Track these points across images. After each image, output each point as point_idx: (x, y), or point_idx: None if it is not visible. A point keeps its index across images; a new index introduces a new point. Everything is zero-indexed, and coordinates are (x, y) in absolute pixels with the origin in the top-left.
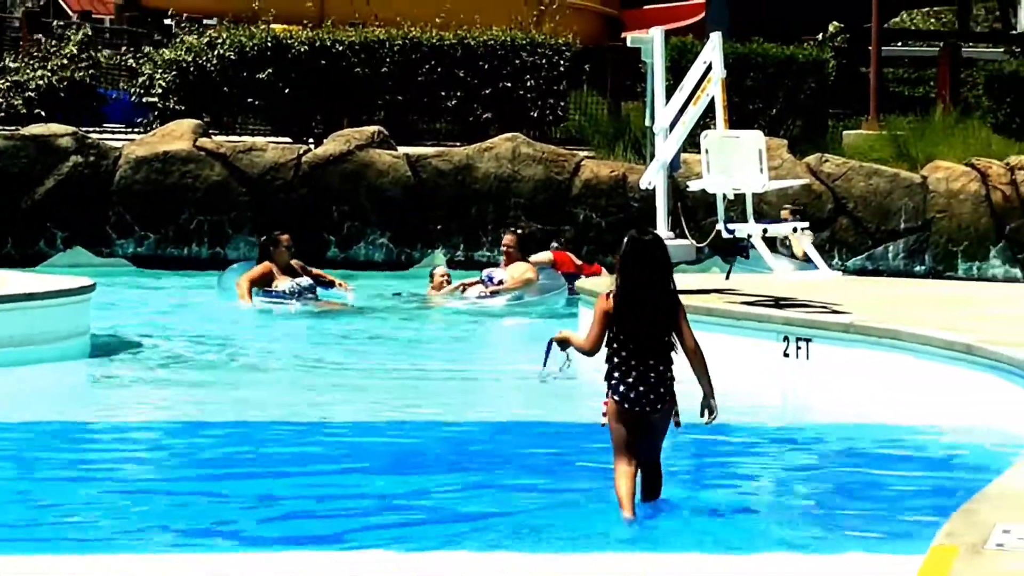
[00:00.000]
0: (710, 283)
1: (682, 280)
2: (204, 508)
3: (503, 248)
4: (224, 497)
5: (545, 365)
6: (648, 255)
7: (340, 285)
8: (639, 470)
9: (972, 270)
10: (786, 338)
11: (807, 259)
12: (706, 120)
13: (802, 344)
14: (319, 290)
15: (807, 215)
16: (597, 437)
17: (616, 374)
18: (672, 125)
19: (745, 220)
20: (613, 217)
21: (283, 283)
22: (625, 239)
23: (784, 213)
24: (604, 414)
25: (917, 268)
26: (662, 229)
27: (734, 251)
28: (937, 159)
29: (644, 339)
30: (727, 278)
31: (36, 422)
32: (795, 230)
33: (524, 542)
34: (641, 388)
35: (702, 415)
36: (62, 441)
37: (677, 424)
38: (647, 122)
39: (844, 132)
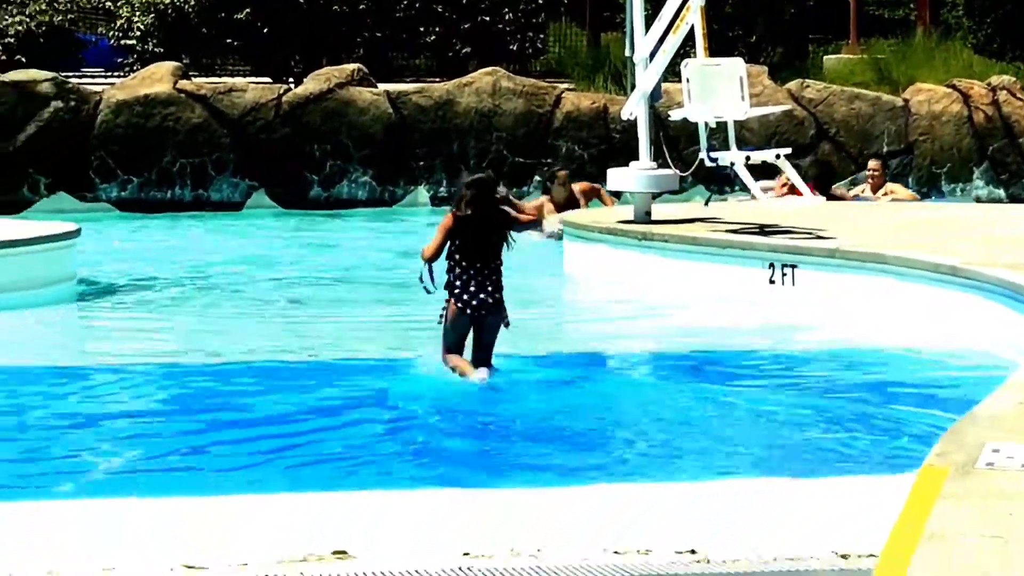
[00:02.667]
0: (693, 212)
1: (665, 210)
2: (188, 450)
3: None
4: (209, 439)
5: (421, 280)
6: (481, 187)
7: None
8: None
9: (956, 192)
10: (771, 265)
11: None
12: (686, 49)
13: (787, 270)
14: None
15: (790, 141)
16: None
17: (457, 283)
18: (652, 55)
19: (727, 148)
20: (595, 149)
21: (551, 222)
22: (466, 177)
23: (872, 164)
24: (442, 315)
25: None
26: (644, 159)
27: (718, 179)
28: (918, 81)
29: (478, 252)
30: (706, 204)
31: (23, 367)
32: (777, 156)
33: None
34: (480, 294)
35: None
36: (48, 386)
37: (507, 325)
38: (627, 52)
39: (825, 57)
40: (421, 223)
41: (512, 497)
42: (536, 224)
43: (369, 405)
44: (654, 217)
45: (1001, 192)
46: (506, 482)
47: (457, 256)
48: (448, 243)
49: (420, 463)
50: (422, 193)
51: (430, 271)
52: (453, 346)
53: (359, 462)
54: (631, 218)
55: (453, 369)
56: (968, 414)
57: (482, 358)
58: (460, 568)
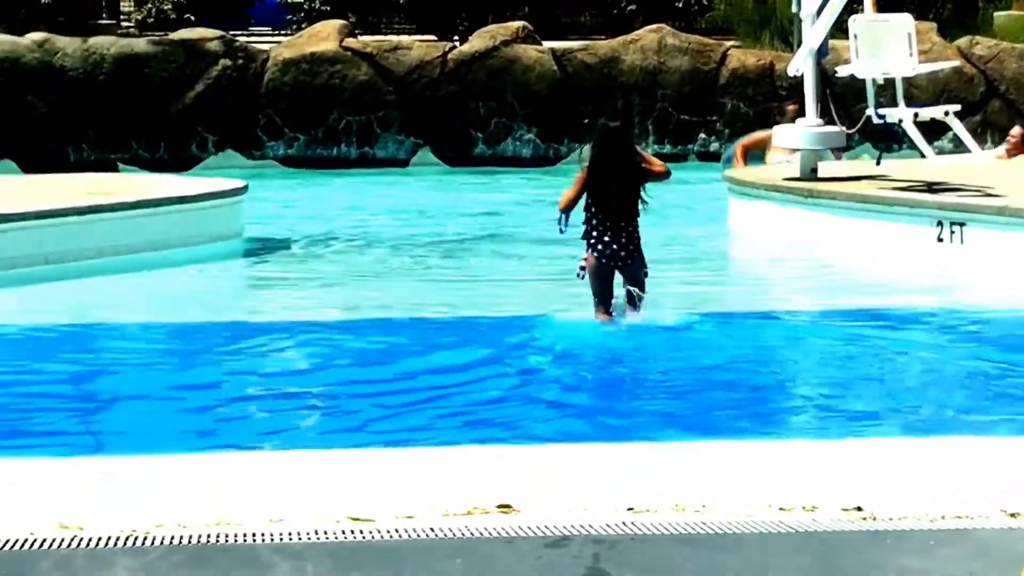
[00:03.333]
0: (861, 170)
1: (833, 168)
2: (350, 406)
3: None
4: (371, 393)
5: (559, 223)
6: (611, 139)
7: None
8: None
9: None
10: (940, 223)
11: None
12: (853, 5)
13: (956, 228)
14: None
15: (959, 99)
16: None
17: (594, 233)
18: (819, 10)
19: (895, 105)
20: (761, 106)
21: (776, 155)
22: (597, 127)
23: (1016, 131)
24: (582, 267)
25: None
26: (811, 116)
27: (886, 137)
28: None
29: (613, 205)
30: (878, 164)
31: (191, 323)
32: (946, 113)
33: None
34: (614, 245)
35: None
36: (216, 342)
37: (645, 275)
38: (794, 8)
39: (995, 14)
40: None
41: (673, 451)
42: (666, 175)
43: (526, 360)
44: (820, 174)
45: None
46: (665, 436)
47: (593, 208)
48: (584, 195)
49: (579, 417)
50: (587, 151)
51: (566, 219)
52: (599, 295)
53: (516, 417)
54: (797, 175)
55: (603, 322)
56: None
57: (632, 303)
58: (624, 523)
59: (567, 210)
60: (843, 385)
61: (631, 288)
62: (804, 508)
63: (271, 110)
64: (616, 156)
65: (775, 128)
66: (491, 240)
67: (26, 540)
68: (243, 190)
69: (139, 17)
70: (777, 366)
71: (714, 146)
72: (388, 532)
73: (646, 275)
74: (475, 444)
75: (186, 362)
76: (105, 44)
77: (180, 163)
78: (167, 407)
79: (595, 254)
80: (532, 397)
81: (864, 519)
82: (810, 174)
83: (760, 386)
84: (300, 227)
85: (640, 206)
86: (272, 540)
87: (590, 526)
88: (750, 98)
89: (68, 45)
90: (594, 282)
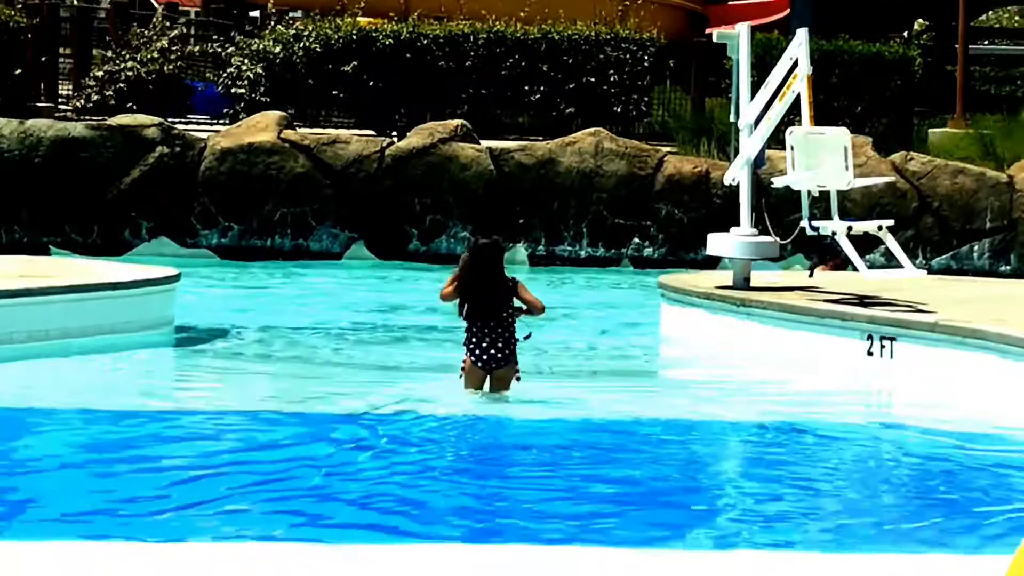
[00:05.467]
0: (793, 281)
1: (764, 278)
2: (285, 499)
3: None
4: (310, 489)
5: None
6: (483, 257)
7: None
8: None
9: None
10: (870, 337)
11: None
12: (791, 117)
13: (886, 343)
14: None
15: (892, 213)
16: None
17: (472, 340)
18: (757, 121)
19: (829, 217)
20: (696, 213)
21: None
22: (471, 245)
23: None
24: (463, 369)
25: (1002, 268)
26: (745, 226)
27: (820, 249)
28: None
29: (487, 314)
30: (810, 275)
31: (120, 410)
32: (880, 228)
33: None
34: (491, 350)
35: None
36: (144, 429)
37: (517, 379)
38: (732, 118)
39: (930, 130)
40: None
41: (564, 555)
42: (539, 311)
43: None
44: (753, 284)
45: None
46: (565, 540)
47: (469, 316)
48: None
49: (506, 520)
50: (521, 252)
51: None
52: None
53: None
54: (730, 284)
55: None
56: None
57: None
58: None
59: (446, 300)
60: (768, 499)
61: (497, 386)
62: None
63: (207, 198)
64: (487, 273)
65: (710, 236)
66: (423, 332)
67: None
68: (175, 278)
69: (78, 104)
70: (703, 478)
71: (647, 251)
72: None
73: (518, 379)
74: (409, 543)
75: (100, 447)
76: (42, 127)
77: (113, 248)
78: (87, 492)
79: (472, 358)
80: (465, 499)
81: None
82: (743, 283)
83: (688, 497)
84: (230, 317)
85: (515, 316)
86: None
87: None
88: (685, 204)
89: (5, 126)
90: (468, 384)
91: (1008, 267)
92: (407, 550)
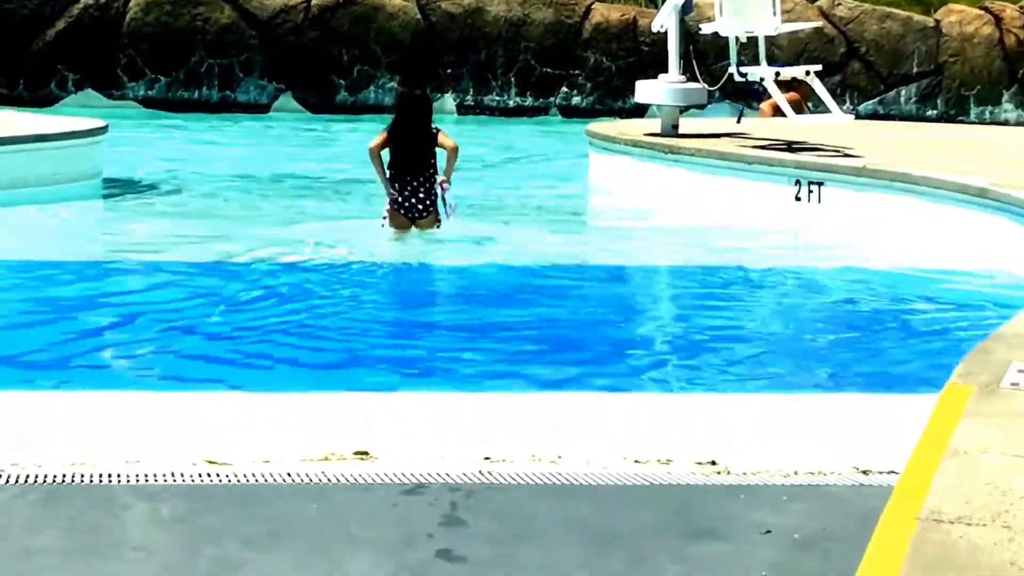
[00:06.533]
0: (721, 127)
1: (693, 125)
2: (204, 348)
3: None
4: (229, 338)
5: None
6: (413, 106)
7: None
8: None
9: (984, 114)
10: (798, 182)
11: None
12: None
13: (814, 188)
14: None
15: (819, 59)
16: None
17: (395, 188)
18: None
19: (757, 63)
20: (623, 61)
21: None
22: (398, 94)
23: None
24: (384, 217)
25: (929, 112)
26: (673, 73)
27: (746, 95)
28: (951, 2)
29: (412, 164)
30: (738, 122)
31: (46, 261)
32: (807, 73)
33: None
34: (412, 199)
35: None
36: (69, 279)
37: (438, 226)
38: None
39: None
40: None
41: (530, 401)
42: (454, 151)
43: (377, 305)
44: (681, 131)
45: None
46: (522, 386)
47: (395, 167)
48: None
49: (436, 365)
50: (448, 101)
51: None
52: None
53: (376, 363)
54: (658, 131)
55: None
56: (993, 334)
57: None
58: (481, 472)
59: (374, 155)
60: (697, 340)
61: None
62: (659, 461)
63: (132, 50)
64: (414, 124)
65: (638, 83)
66: (347, 184)
67: None
68: (103, 130)
69: None
70: (631, 320)
71: (576, 100)
72: (245, 476)
73: (439, 226)
74: (333, 391)
75: (37, 299)
76: None
77: (39, 101)
78: (19, 344)
79: (395, 207)
80: (389, 343)
81: (718, 473)
82: (671, 130)
83: (615, 339)
84: (158, 169)
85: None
86: (128, 481)
87: (447, 474)
88: (613, 52)
89: None
90: (392, 226)
91: (935, 111)
92: (329, 398)
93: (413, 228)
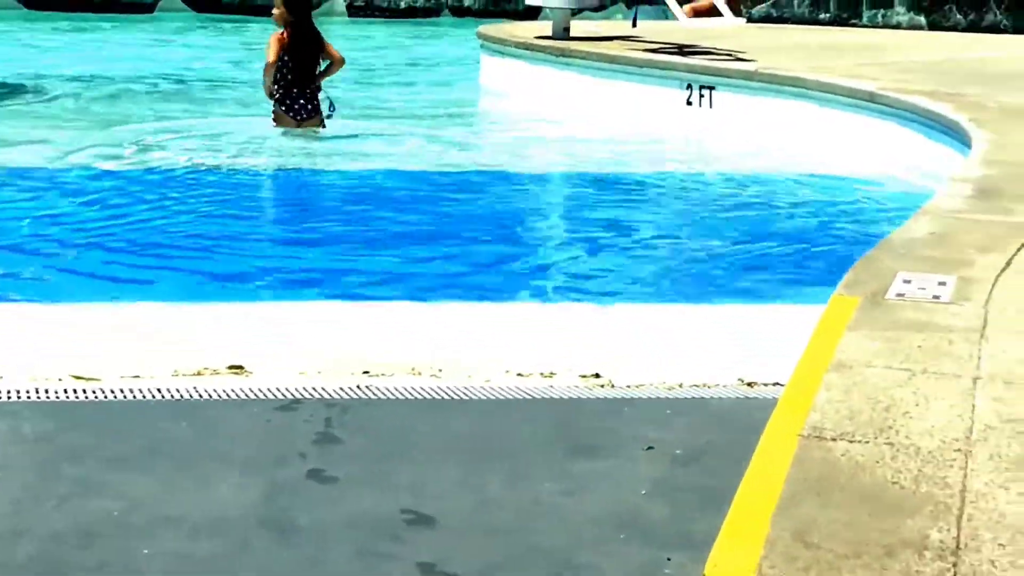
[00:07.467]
0: (614, 30)
1: (586, 27)
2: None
3: None
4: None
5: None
6: (308, 6)
7: None
8: None
9: (877, 18)
10: (689, 86)
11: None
12: None
13: (705, 92)
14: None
15: None
16: None
17: (281, 91)
18: None
19: None
20: None
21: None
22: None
23: None
24: (273, 119)
25: (822, 16)
26: None
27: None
28: None
29: (303, 67)
30: (634, 26)
31: None
32: None
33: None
34: (301, 100)
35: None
36: None
37: (323, 126)
38: None
39: None
40: (335, 33)
41: (409, 313)
42: (340, 63)
43: (256, 214)
44: (573, 34)
45: (922, 19)
46: (401, 297)
47: (285, 69)
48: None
49: (312, 275)
50: (339, 3)
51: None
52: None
53: (247, 272)
54: (550, 34)
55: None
56: (880, 243)
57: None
58: (359, 387)
59: (270, 67)
60: (582, 250)
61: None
62: (542, 374)
63: None
64: (310, 22)
65: None
66: (235, 85)
67: None
68: None
69: None
70: (517, 228)
71: (467, 1)
72: (113, 392)
73: (324, 125)
74: (208, 302)
75: None
76: None
77: None
78: None
79: (283, 108)
80: (266, 252)
81: (602, 386)
82: (563, 33)
83: (500, 249)
84: (37, 70)
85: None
86: None
87: (323, 389)
88: None
89: None
90: (279, 126)
91: (827, 15)
92: (203, 308)
93: (298, 128)
